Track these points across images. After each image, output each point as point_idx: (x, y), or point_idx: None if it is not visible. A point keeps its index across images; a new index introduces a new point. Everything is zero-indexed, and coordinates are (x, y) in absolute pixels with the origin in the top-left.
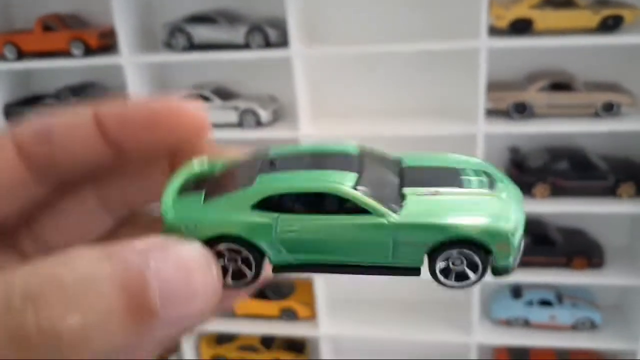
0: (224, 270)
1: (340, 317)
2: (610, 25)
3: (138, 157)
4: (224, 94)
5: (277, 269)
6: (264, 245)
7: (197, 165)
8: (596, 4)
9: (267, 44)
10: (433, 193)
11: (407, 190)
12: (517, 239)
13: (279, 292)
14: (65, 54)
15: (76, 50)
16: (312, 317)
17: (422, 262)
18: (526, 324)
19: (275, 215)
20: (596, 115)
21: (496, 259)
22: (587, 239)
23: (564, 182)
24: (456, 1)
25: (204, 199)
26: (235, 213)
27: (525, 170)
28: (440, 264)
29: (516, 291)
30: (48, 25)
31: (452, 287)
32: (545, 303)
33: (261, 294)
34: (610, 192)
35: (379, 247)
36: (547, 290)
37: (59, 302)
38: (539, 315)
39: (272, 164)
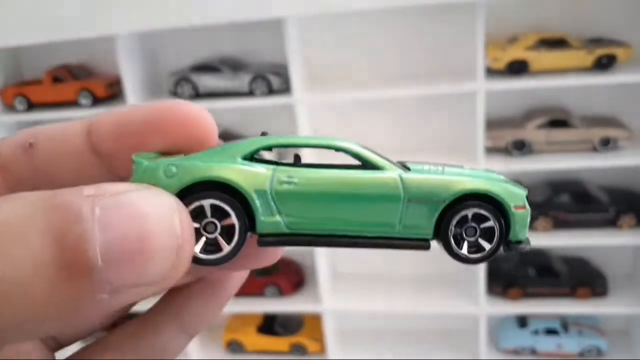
0: (196, 236)
1: (349, 350)
2: (605, 63)
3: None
4: (229, 139)
5: (264, 238)
6: (255, 198)
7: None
8: (590, 43)
9: (270, 91)
10: (438, 169)
11: (412, 166)
12: (529, 215)
13: (288, 328)
14: (74, 104)
15: (84, 100)
16: (321, 351)
17: (431, 229)
18: (533, 352)
19: (272, 166)
20: (594, 150)
21: (512, 226)
22: (591, 268)
23: (566, 215)
24: (454, 45)
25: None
26: (224, 161)
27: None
28: (452, 229)
29: (522, 321)
30: (57, 77)
31: (465, 259)
32: (551, 332)
33: (270, 330)
34: (611, 223)
35: (387, 210)
36: (553, 319)
37: None
38: (546, 344)
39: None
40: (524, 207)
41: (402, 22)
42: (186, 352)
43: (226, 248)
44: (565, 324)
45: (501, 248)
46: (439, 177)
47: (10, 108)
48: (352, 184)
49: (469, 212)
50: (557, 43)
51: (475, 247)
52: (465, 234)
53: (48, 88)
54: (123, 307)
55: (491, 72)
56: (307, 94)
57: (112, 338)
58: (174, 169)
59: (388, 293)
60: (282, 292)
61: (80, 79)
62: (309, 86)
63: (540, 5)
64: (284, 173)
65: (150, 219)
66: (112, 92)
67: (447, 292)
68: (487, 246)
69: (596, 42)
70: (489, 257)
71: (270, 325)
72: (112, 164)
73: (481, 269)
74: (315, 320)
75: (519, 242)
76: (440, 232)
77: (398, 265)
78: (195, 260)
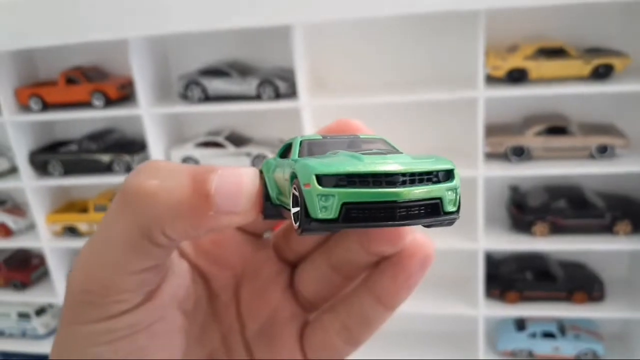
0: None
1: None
2: (602, 73)
3: None
4: (237, 141)
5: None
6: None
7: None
8: (588, 53)
9: (277, 95)
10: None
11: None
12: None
13: None
14: (87, 105)
15: (97, 102)
16: None
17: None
18: (530, 355)
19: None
20: (591, 157)
21: (307, 204)
22: (587, 273)
23: (563, 220)
24: (455, 53)
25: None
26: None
27: (525, 210)
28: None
29: (520, 324)
30: (71, 78)
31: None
32: (548, 335)
33: None
34: (608, 229)
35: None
36: (550, 322)
37: (149, 173)
38: (543, 347)
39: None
40: (308, 184)
41: (405, 30)
42: None
43: (294, 209)
44: (562, 328)
45: (305, 222)
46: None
47: (26, 108)
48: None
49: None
50: (556, 52)
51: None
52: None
53: (62, 89)
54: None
55: (491, 80)
56: (313, 99)
57: (331, 304)
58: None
59: None
60: None
61: (94, 81)
62: (315, 91)
63: (539, 15)
64: (273, 165)
65: (244, 179)
66: (124, 94)
67: (446, 294)
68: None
69: (594, 51)
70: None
71: None
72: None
73: (480, 273)
74: None
75: (318, 219)
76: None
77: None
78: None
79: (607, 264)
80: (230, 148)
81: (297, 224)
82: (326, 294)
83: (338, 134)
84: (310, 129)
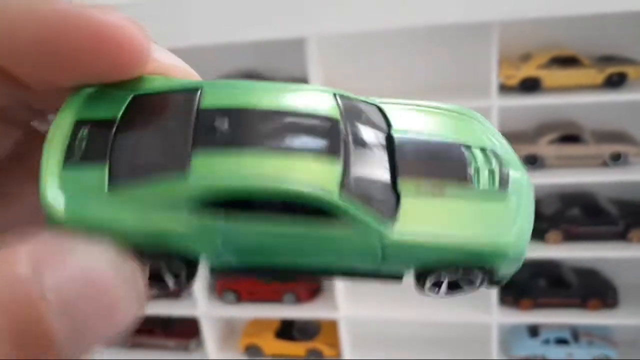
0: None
1: (364, 356)
2: (615, 81)
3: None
4: None
5: (215, 271)
6: (204, 255)
7: (90, 100)
8: (601, 61)
9: None
10: (435, 192)
11: (402, 183)
12: (521, 250)
13: (305, 333)
14: None
15: None
16: (337, 357)
17: (406, 273)
18: None
19: (221, 216)
20: (605, 164)
21: (495, 274)
22: (601, 280)
23: (576, 228)
24: (469, 63)
25: (109, 178)
26: (163, 213)
27: (539, 217)
28: (430, 280)
29: (533, 330)
30: None
31: (439, 297)
32: (562, 341)
33: (288, 335)
34: (621, 236)
35: (360, 259)
36: (563, 329)
37: None
38: (557, 353)
39: (212, 128)
40: (506, 262)
41: (418, 41)
42: (206, 354)
43: (171, 284)
44: (576, 334)
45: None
46: (425, 241)
47: None
48: (320, 243)
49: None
50: (568, 61)
51: (454, 286)
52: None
53: None
54: None
55: (505, 89)
56: None
57: None
58: (101, 232)
59: (402, 301)
60: (299, 299)
61: None
62: None
63: (552, 24)
64: (236, 229)
65: (109, 284)
66: None
67: (461, 301)
68: (466, 289)
69: (607, 60)
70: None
71: (288, 330)
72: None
73: None
74: (331, 327)
75: (503, 278)
76: (416, 278)
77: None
78: None
79: (621, 271)
80: None
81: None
82: None
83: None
84: None
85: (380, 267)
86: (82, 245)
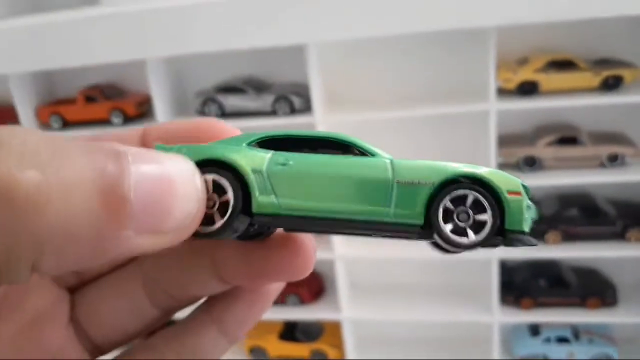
0: None
1: (368, 356)
2: (611, 84)
3: None
4: None
5: (258, 215)
6: (252, 178)
7: None
8: (597, 65)
9: (292, 111)
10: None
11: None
12: (528, 204)
13: (309, 335)
14: (106, 122)
15: (116, 119)
16: (341, 358)
17: (422, 214)
18: None
19: (272, 151)
20: (602, 166)
21: (509, 215)
22: (600, 279)
23: (575, 228)
24: (466, 67)
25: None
26: (229, 146)
27: (538, 218)
28: (441, 211)
29: (534, 329)
30: (90, 96)
31: (456, 244)
32: (562, 340)
33: (291, 337)
34: (619, 236)
35: (378, 193)
36: (564, 328)
37: (24, 155)
38: (558, 352)
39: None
40: (518, 193)
41: (416, 46)
42: None
43: (218, 222)
44: (577, 333)
45: (497, 238)
46: (428, 162)
47: (46, 126)
48: (345, 166)
49: (459, 193)
50: (565, 65)
51: (466, 234)
52: (458, 219)
53: (81, 107)
54: (146, 253)
55: (502, 93)
56: (327, 115)
57: (152, 341)
58: (184, 150)
59: (405, 302)
60: (302, 301)
61: (112, 99)
62: (329, 107)
63: (549, 29)
64: (281, 156)
65: (176, 171)
66: (142, 111)
67: (462, 301)
68: (479, 233)
69: (603, 63)
70: (481, 244)
71: (291, 332)
72: None
73: (494, 280)
74: (335, 328)
75: (517, 231)
76: (430, 216)
77: (414, 276)
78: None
79: (620, 270)
80: None
81: (492, 238)
82: (130, 332)
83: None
84: None
85: (397, 200)
86: (168, 156)
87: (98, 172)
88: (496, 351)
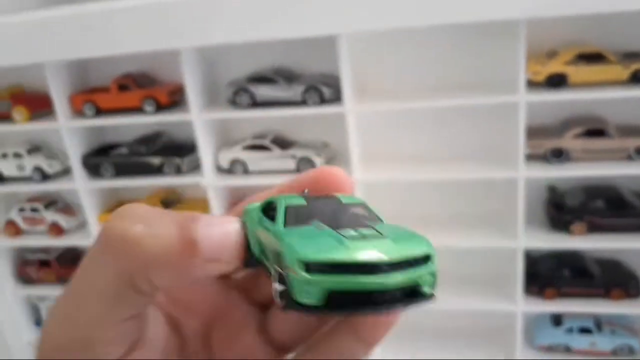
0: None
1: (389, 346)
2: None
3: None
4: (282, 144)
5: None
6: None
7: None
8: (626, 58)
9: (322, 101)
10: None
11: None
12: (309, 279)
13: None
14: (138, 110)
15: (148, 107)
16: None
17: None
18: (567, 350)
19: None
20: (629, 158)
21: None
22: (624, 270)
23: (600, 220)
24: (496, 59)
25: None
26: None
27: (563, 209)
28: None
29: (557, 319)
30: (123, 85)
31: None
32: (585, 330)
33: None
34: None
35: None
36: (587, 318)
37: (132, 219)
38: (580, 342)
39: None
40: (294, 271)
41: (447, 38)
42: None
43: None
44: (599, 323)
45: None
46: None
47: (79, 113)
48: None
49: None
50: (594, 57)
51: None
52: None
53: (115, 95)
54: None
55: (532, 85)
56: (357, 104)
57: (300, 350)
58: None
59: None
60: None
61: (144, 87)
62: (358, 97)
63: (578, 21)
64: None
65: (229, 227)
66: (174, 100)
67: (486, 291)
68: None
69: (633, 56)
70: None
71: None
72: None
73: (519, 270)
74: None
75: (302, 303)
76: None
77: (439, 265)
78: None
79: None
80: (276, 151)
81: (282, 302)
82: (302, 335)
83: (320, 196)
84: (354, 133)
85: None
86: (227, 219)
87: (179, 226)
88: (519, 341)
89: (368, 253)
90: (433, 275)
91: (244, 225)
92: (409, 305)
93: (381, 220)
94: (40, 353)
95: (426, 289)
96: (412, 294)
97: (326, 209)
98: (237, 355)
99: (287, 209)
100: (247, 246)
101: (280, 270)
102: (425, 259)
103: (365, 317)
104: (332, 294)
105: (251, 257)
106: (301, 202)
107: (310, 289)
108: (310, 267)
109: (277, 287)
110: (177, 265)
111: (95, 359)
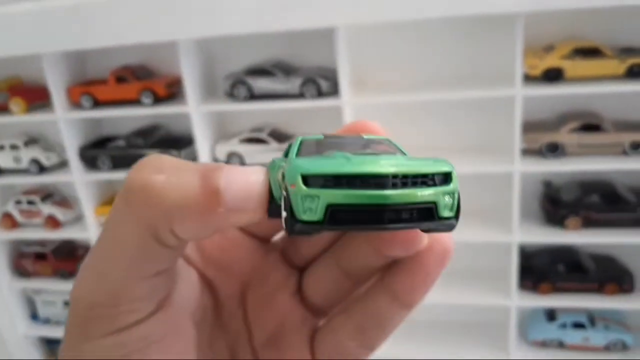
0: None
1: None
2: (637, 72)
3: None
4: (279, 137)
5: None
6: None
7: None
8: (623, 53)
9: (320, 94)
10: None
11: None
12: (310, 194)
13: None
14: (136, 102)
15: (146, 100)
16: None
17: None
18: (561, 345)
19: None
20: (624, 153)
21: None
22: (618, 266)
23: (595, 214)
24: (493, 53)
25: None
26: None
27: (558, 204)
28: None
29: (551, 314)
30: (121, 77)
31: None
32: (578, 325)
33: None
34: (639, 223)
35: None
36: (580, 313)
37: (153, 169)
38: (573, 337)
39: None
40: (293, 185)
41: (444, 31)
42: None
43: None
44: (592, 318)
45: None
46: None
47: (77, 105)
48: None
49: None
50: (591, 52)
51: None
52: None
53: (112, 87)
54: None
55: (528, 79)
56: (354, 97)
57: (339, 308)
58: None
59: None
60: None
61: (142, 79)
62: (356, 90)
63: (575, 16)
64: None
65: (251, 176)
66: (172, 92)
67: (480, 285)
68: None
69: (629, 51)
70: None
71: None
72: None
73: (513, 265)
74: None
75: (303, 220)
76: None
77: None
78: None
79: (638, 257)
80: (273, 144)
81: (287, 227)
82: (337, 297)
83: (342, 134)
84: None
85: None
86: (251, 169)
87: (202, 175)
88: (512, 335)
89: (372, 166)
90: (453, 196)
91: (268, 175)
92: (420, 225)
93: (404, 153)
94: (72, 311)
95: (444, 212)
96: (427, 215)
97: (344, 142)
98: (272, 317)
99: (302, 142)
100: (271, 196)
101: (284, 193)
102: (445, 179)
103: (374, 234)
104: (334, 209)
105: (276, 207)
106: (319, 137)
107: (310, 204)
108: (309, 181)
109: (284, 213)
110: (200, 215)
111: (124, 313)
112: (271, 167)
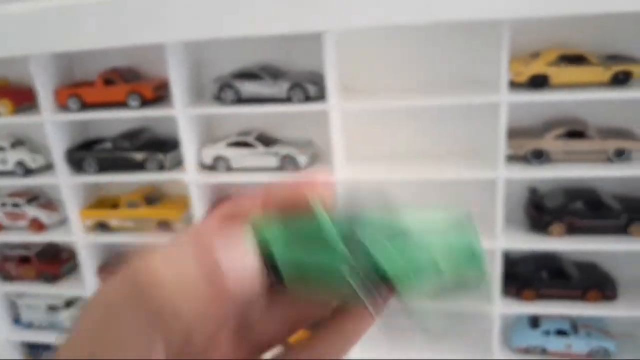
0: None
1: (367, 348)
2: (621, 79)
3: None
4: (266, 141)
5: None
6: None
7: None
8: (608, 60)
9: (307, 98)
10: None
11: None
12: None
13: None
14: (123, 105)
15: (133, 102)
16: None
17: None
18: (544, 352)
19: None
20: (608, 160)
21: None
22: (601, 273)
23: (579, 221)
24: (479, 59)
25: None
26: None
27: (543, 211)
28: None
29: (534, 321)
30: (108, 79)
31: None
32: (561, 333)
33: None
34: (623, 230)
35: None
36: (563, 320)
37: (160, 261)
38: (556, 344)
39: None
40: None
41: (431, 37)
42: None
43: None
44: (575, 326)
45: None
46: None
47: (64, 108)
48: None
49: None
50: (576, 59)
51: None
52: None
53: (100, 90)
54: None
55: (514, 85)
56: (341, 102)
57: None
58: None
59: None
60: None
61: (130, 82)
62: (343, 95)
63: (561, 23)
64: None
65: (248, 263)
66: (159, 95)
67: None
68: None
69: (613, 58)
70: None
71: None
72: None
73: (497, 271)
74: None
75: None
76: None
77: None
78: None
79: (621, 264)
80: (260, 148)
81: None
82: (285, 334)
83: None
84: (338, 131)
85: None
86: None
87: (203, 270)
88: (495, 342)
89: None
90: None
91: (257, 245)
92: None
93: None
94: None
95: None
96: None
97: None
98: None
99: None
100: (270, 268)
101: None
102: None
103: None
104: None
105: (278, 279)
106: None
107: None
108: None
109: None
110: (209, 306)
111: None
112: (268, 236)
